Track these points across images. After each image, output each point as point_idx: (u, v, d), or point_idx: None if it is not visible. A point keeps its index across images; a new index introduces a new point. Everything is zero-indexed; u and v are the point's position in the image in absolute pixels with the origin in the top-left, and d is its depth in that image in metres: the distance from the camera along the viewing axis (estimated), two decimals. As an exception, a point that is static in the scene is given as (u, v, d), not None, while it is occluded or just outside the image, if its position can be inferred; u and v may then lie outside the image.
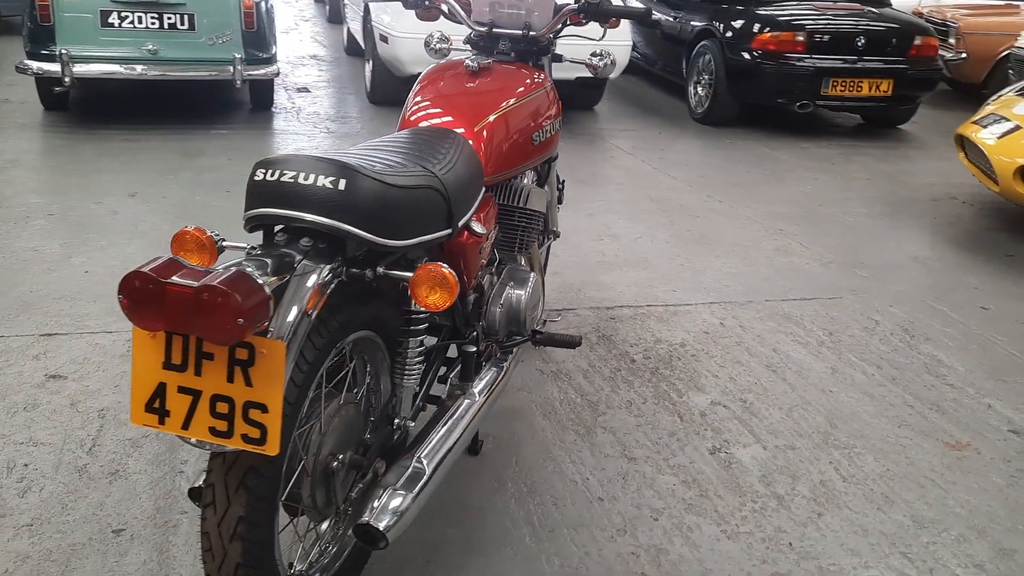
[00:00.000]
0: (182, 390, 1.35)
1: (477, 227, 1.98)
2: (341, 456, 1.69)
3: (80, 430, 2.46)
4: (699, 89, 7.35)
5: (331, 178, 1.50)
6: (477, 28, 2.57)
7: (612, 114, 7.40)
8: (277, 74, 6.26)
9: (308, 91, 7.55)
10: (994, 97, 5.31)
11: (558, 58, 2.69)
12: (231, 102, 6.86)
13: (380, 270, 1.61)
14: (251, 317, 1.24)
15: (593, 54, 2.65)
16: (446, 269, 1.57)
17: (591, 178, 5.33)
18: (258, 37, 6.01)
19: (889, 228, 4.76)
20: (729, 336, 3.29)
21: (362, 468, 1.75)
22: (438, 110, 2.17)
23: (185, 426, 1.36)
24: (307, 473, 1.63)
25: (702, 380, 2.95)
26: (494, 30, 2.55)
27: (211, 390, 1.34)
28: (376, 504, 1.65)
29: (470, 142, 2.07)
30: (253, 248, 1.54)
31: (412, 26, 6.21)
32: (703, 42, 7.27)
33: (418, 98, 2.24)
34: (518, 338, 2.34)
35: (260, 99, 6.63)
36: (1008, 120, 4.65)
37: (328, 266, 1.51)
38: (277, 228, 1.58)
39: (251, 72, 5.97)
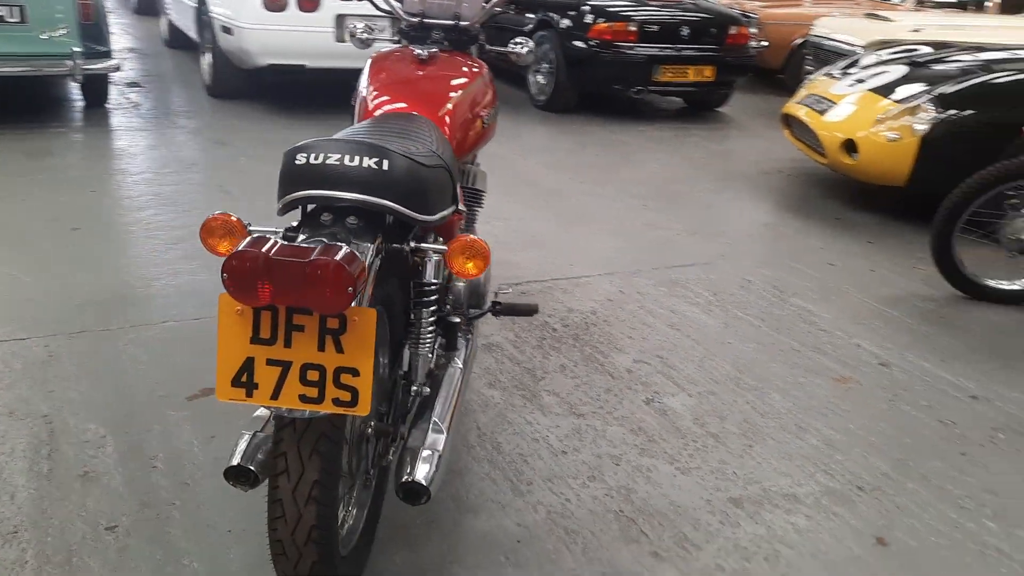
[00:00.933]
0: (271, 362, 1.42)
1: (460, 204, 2.12)
2: (372, 423, 1.80)
3: (30, 437, 2.38)
4: (539, 78, 7.68)
5: (374, 159, 1.60)
6: (408, 19, 2.69)
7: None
8: (117, 68, 5.99)
9: (139, 86, 7.23)
10: (809, 80, 5.96)
11: (481, 47, 2.84)
12: (61, 99, 6.48)
13: (413, 244, 1.73)
14: (358, 287, 1.34)
15: (514, 42, 2.83)
16: (479, 238, 1.71)
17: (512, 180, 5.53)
18: (96, 30, 5.73)
19: (735, 200, 5.25)
20: (631, 302, 3.58)
21: (390, 433, 1.86)
22: (400, 97, 2.28)
23: (274, 396, 1.43)
24: (346, 440, 1.72)
25: (619, 342, 3.22)
26: (425, 20, 2.68)
27: (301, 359, 1.42)
28: (415, 464, 1.76)
29: (437, 127, 2.20)
30: (292, 228, 1.62)
31: (259, 17, 6.15)
32: (541, 32, 7.59)
33: (375, 86, 2.34)
34: (478, 310, 2.50)
35: (94, 95, 6.30)
36: (828, 100, 5.25)
37: (375, 242, 1.61)
38: (311, 208, 1.65)
39: (90, 67, 5.68)
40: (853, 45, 7.34)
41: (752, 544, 2.17)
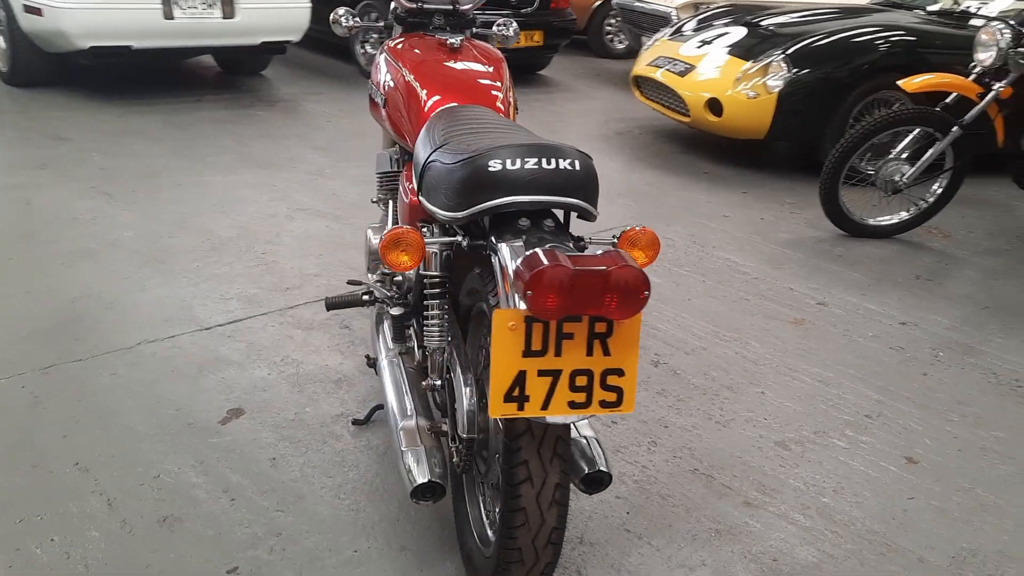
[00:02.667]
0: (542, 373, 1.42)
1: None
2: None
3: (94, 506, 2.14)
4: (367, 48, 7.52)
5: (568, 160, 1.61)
6: (406, 4, 2.61)
7: (289, 79, 7.29)
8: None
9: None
10: (650, 43, 6.31)
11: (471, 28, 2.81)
12: None
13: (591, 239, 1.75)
14: (649, 290, 1.37)
15: (498, 24, 2.83)
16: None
17: (330, 144, 5.37)
18: None
19: (607, 162, 5.50)
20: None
21: None
22: (459, 89, 2.24)
23: (544, 406, 1.43)
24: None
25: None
26: (425, 6, 2.62)
27: (571, 367, 1.43)
28: (585, 455, 1.79)
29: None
30: (510, 236, 1.58)
31: (75, -6, 5.56)
32: (365, 1, 7.41)
33: (423, 78, 2.26)
34: None
35: None
36: (682, 62, 5.61)
37: (573, 242, 1.63)
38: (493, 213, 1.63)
39: None
40: (665, 7, 7.82)
41: (816, 480, 2.41)
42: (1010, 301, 3.73)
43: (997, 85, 3.98)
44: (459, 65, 2.32)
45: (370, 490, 2.23)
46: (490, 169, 1.58)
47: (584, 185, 1.62)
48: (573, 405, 1.44)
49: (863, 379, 2.97)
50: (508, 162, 1.58)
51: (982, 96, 4.02)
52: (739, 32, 5.61)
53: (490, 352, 1.41)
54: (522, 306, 1.40)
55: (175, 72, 7.26)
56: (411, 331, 2.23)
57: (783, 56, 5.10)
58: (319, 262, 3.60)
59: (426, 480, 1.72)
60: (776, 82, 5.07)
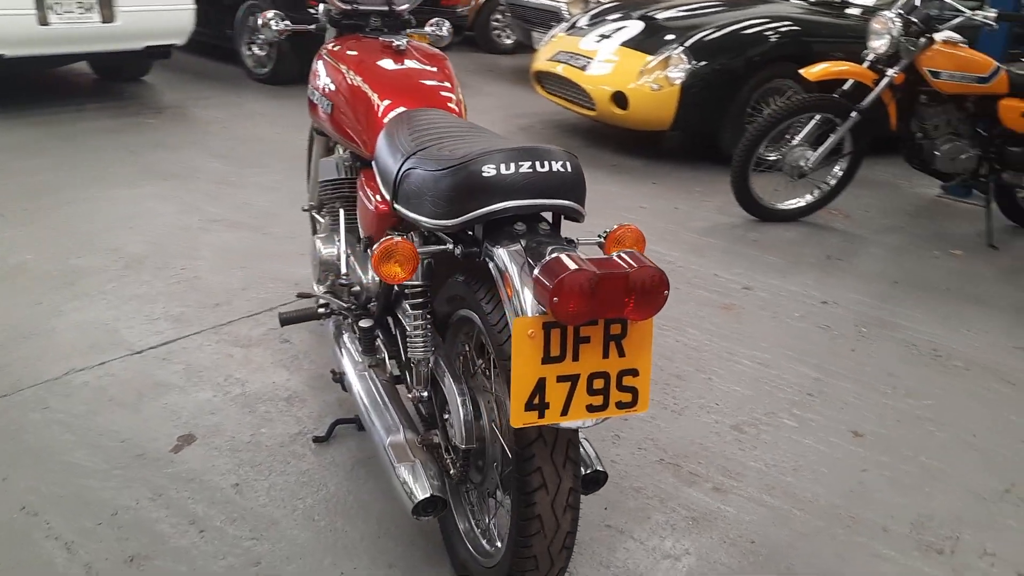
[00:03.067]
0: (560, 379, 1.41)
1: None
2: None
3: (56, 564, 1.99)
4: (255, 49, 7.29)
5: (560, 162, 1.59)
6: (340, 5, 2.54)
7: (174, 84, 6.98)
8: None
9: None
10: (547, 38, 6.35)
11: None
12: None
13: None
14: (668, 288, 1.38)
15: (431, 24, 2.79)
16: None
17: (229, 151, 5.18)
18: None
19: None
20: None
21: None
22: (412, 93, 2.19)
23: (564, 412, 1.42)
24: None
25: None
26: (359, 7, 2.55)
27: (588, 370, 1.42)
28: (584, 454, 1.79)
29: None
30: (506, 241, 1.56)
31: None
32: (250, 2, 7.18)
33: (372, 82, 2.20)
34: None
35: None
36: (583, 56, 5.68)
37: (571, 244, 1.62)
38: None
39: None
40: (555, 2, 7.89)
41: (776, 460, 2.49)
42: (914, 275, 3.95)
43: (890, 71, 4.20)
44: (408, 68, 2.28)
45: (344, 509, 2.16)
46: (484, 175, 1.55)
47: (576, 186, 1.62)
48: (591, 408, 1.44)
49: (798, 359, 3.08)
50: (502, 167, 1.55)
51: (877, 82, 4.23)
52: (637, 26, 5.71)
53: (500, 360, 1.39)
54: (533, 312, 1.39)
55: (47, 80, 6.84)
56: (379, 342, 2.17)
57: (682, 49, 5.23)
58: (244, 275, 3.46)
59: (427, 495, 1.68)
60: (677, 74, 5.20)
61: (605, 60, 5.50)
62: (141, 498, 2.15)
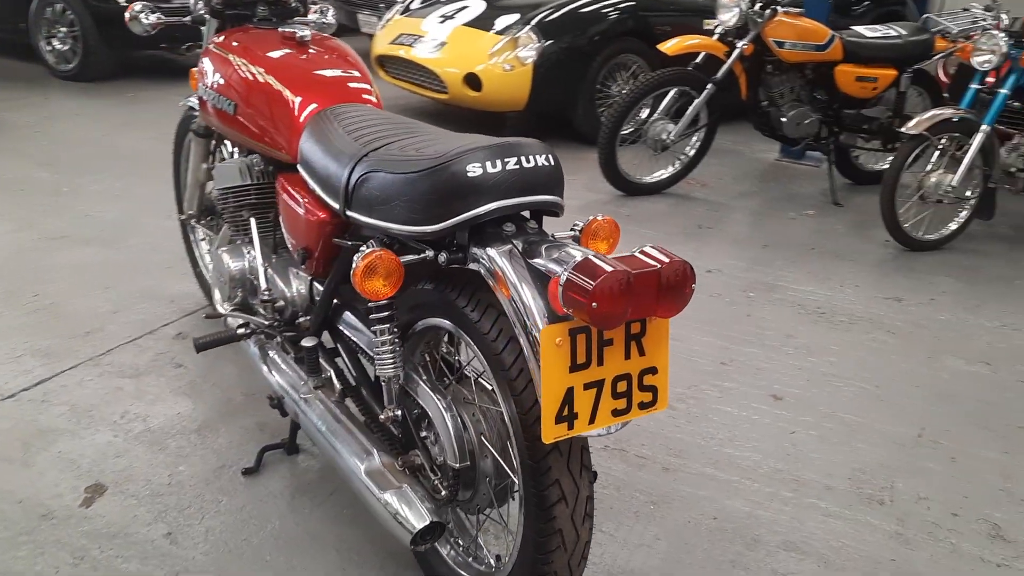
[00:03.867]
0: (587, 386, 1.33)
1: None
2: None
3: None
4: (56, 44, 6.64)
5: (543, 156, 1.51)
6: (225, -7, 2.32)
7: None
8: None
9: None
10: (384, 21, 6.16)
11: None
12: None
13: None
14: (695, 282, 1.33)
15: (314, 12, 2.61)
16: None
17: (54, 158, 4.69)
18: None
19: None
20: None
21: None
22: (333, 88, 2.02)
23: (591, 420, 1.35)
24: None
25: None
26: (246, -6, 2.34)
27: (612, 374, 1.35)
28: None
29: None
30: (497, 243, 1.46)
31: None
32: (48, -6, 6.52)
33: (285, 78, 2.01)
34: None
35: None
36: (427, 38, 5.54)
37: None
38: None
39: None
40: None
41: (712, 433, 2.53)
42: (780, 237, 4.15)
43: (740, 43, 4.36)
44: (318, 61, 2.10)
45: (297, 544, 1.99)
46: (469, 174, 1.44)
47: (560, 180, 1.54)
48: (616, 413, 1.38)
49: (703, 329, 3.15)
50: (488, 165, 1.45)
51: (728, 54, 4.38)
52: (479, 6, 5.64)
53: (533, 373, 1.30)
54: (542, 318, 1.31)
55: None
56: (322, 360, 2.00)
57: (531, 28, 5.21)
58: (111, 297, 3.13)
59: (427, 522, 1.56)
60: (528, 53, 5.18)
61: (451, 41, 5.39)
62: (61, 564, 1.88)
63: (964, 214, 4.14)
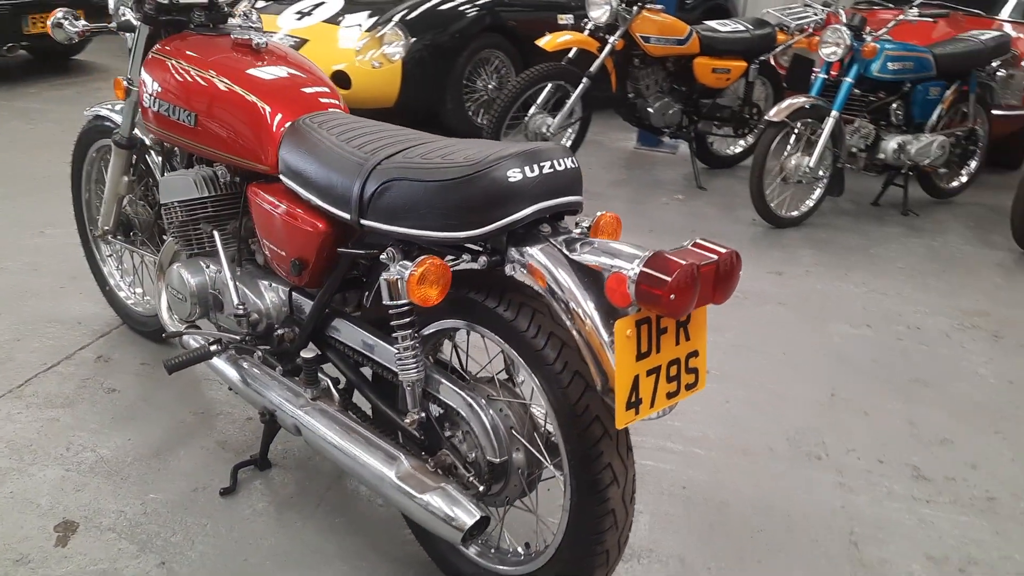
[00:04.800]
0: (649, 373, 1.43)
1: None
2: None
3: None
4: None
5: (568, 158, 1.58)
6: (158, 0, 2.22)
7: None
8: None
9: None
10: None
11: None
12: None
13: None
14: (741, 268, 1.45)
15: (240, 14, 2.54)
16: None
17: None
18: None
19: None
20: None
21: None
22: (303, 97, 2.00)
23: (652, 404, 1.45)
24: None
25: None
26: (180, 1, 2.25)
27: (667, 359, 1.46)
28: None
29: None
30: (535, 243, 1.53)
31: None
32: None
33: (259, 91, 1.97)
34: None
35: None
36: (282, 34, 5.42)
37: None
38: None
39: None
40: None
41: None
42: (661, 222, 4.41)
43: (611, 39, 4.57)
44: (283, 69, 2.07)
45: (298, 558, 1.97)
46: (510, 180, 1.50)
47: (581, 181, 1.63)
48: (669, 395, 1.48)
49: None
50: (527, 170, 1.52)
51: (600, 50, 4.58)
52: (336, 3, 5.57)
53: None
54: (598, 311, 1.40)
55: None
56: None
57: (396, 25, 5.21)
58: (11, 323, 2.91)
59: (477, 517, 1.61)
60: (395, 50, 5.18)
61: (313, 39, 5.30)
62: (57, 610, 1.78)
63: (818, 192, 4.55)
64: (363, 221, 1.67)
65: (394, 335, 1.68)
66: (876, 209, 4.93)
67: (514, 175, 1.50)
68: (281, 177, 1.88)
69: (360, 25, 5.28)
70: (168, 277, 2.20)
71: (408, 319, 1.67)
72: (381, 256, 1.67)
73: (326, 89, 2.06)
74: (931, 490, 2.38)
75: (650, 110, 4.88)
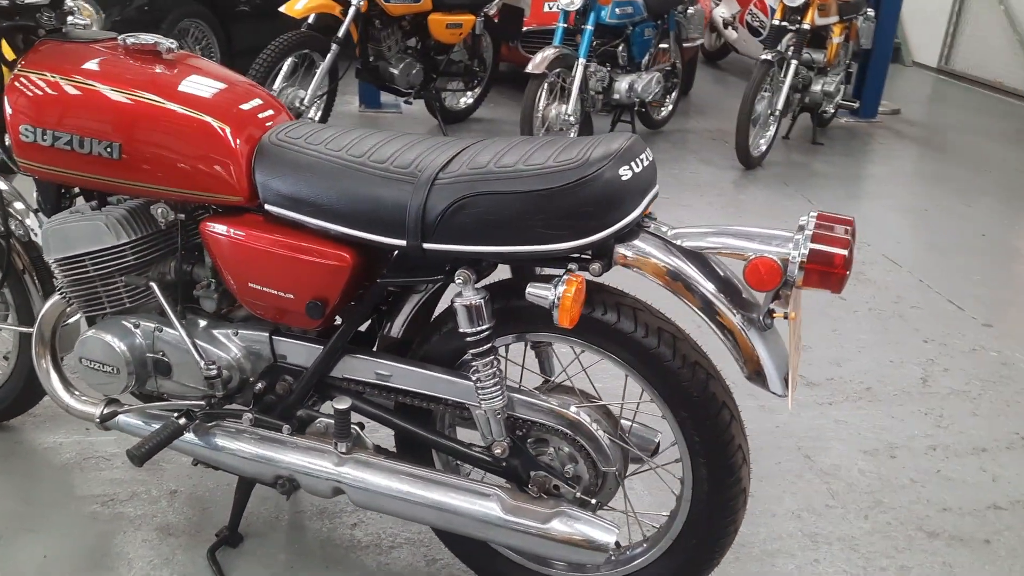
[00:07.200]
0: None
1: None
2: None
3: None
4: None
5: (648, 150, 1.52)
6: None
7: None
8: None
9: None
10: None
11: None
12: None
13: None
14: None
15: (70, 14, 2.06)
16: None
17: None
18: None
19: None
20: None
21: None
22: (244, 110, 1.67)
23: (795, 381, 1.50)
24: None
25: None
26: (23, 1, 1.76)
27: (798, 336, 1.50)
28: None
29: None
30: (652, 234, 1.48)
31: None
32: None
33: (205, 108, 1.60)
34: None
35: None
36: None
37: None
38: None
39: None
40: None
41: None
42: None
43: (355, 1, 4.34)
44: (210, 78, 1.72)
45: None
46: (623, 179, 1.42)
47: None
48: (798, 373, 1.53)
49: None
50: (633, 166, 1.44)
51: (344, 13, 4.34)
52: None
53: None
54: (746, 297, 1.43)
55: None
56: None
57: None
58: None
59: (616, 531, 1.54)
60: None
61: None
62: None
63: (573, 135, 4.79)
64: (427, 245, 1.47)
65: (472, 365, 1.53)
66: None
67: (626, 173, 1.42)
68: (268, 207, 1.59)
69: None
70: (80, 348, 1.76)
71: (486, 347, 1.53)
72: (457, 279, 1.50)
73: (266, 96, 1.75)
74: (824, 393, 2.70)
75: (394, 71, 4.74)
